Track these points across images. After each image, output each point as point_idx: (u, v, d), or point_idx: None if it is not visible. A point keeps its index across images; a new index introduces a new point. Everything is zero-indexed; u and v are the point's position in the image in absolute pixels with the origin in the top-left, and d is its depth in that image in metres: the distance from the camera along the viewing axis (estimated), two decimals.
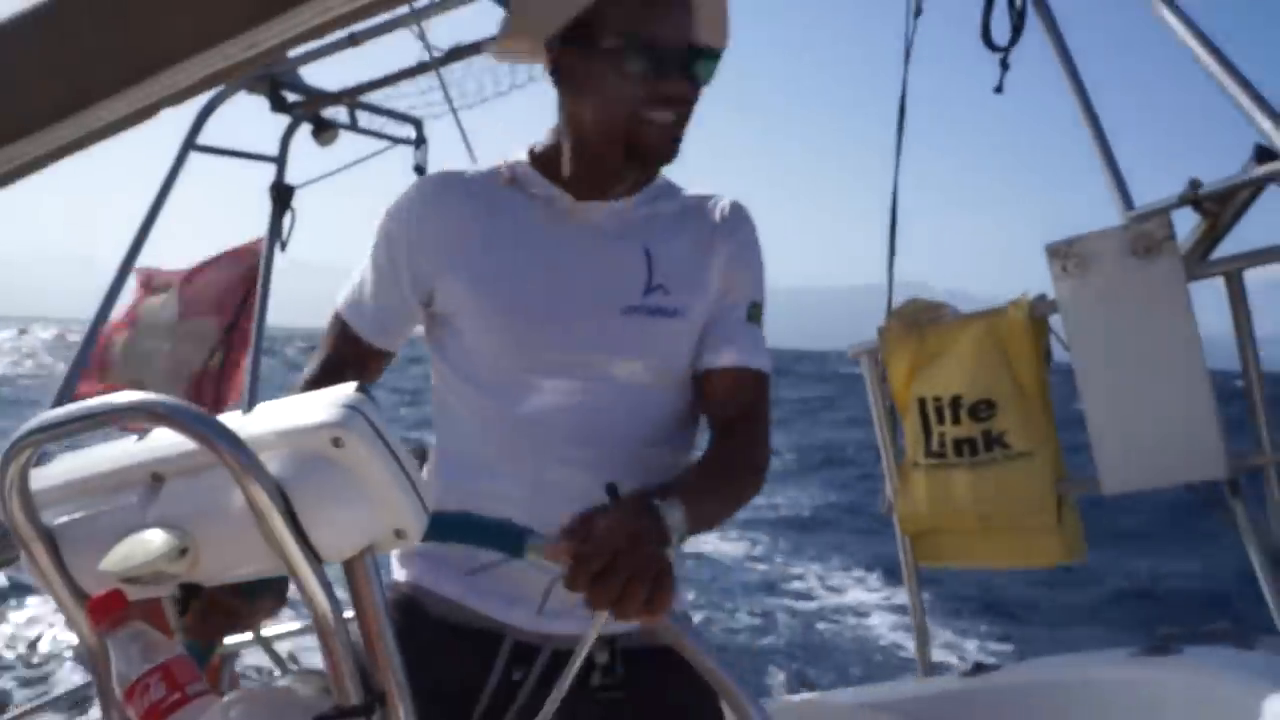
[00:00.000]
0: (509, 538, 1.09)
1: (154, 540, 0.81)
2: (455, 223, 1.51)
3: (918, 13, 3.69)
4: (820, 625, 9.47)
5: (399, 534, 0.84)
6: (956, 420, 2.39)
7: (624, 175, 1.50)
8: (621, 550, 1.07)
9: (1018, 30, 3.05)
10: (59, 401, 2.82)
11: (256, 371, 3.75)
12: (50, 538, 0.88)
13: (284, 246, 3.71)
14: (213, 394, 3.96)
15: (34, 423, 0.82)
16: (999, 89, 2.80)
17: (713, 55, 1.44)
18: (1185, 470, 2.23)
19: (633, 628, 1.33)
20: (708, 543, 11.90)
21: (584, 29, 1.41)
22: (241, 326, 4.04)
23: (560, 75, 1.47)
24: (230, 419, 0.81)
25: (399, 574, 1.55)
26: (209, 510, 0.82)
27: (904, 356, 2.51)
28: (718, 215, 1.56)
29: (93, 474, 0.89)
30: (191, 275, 4.14)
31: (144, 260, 3.43)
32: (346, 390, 0.82)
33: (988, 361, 2.37)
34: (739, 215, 1.57)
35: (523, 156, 1.55)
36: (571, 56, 1.44)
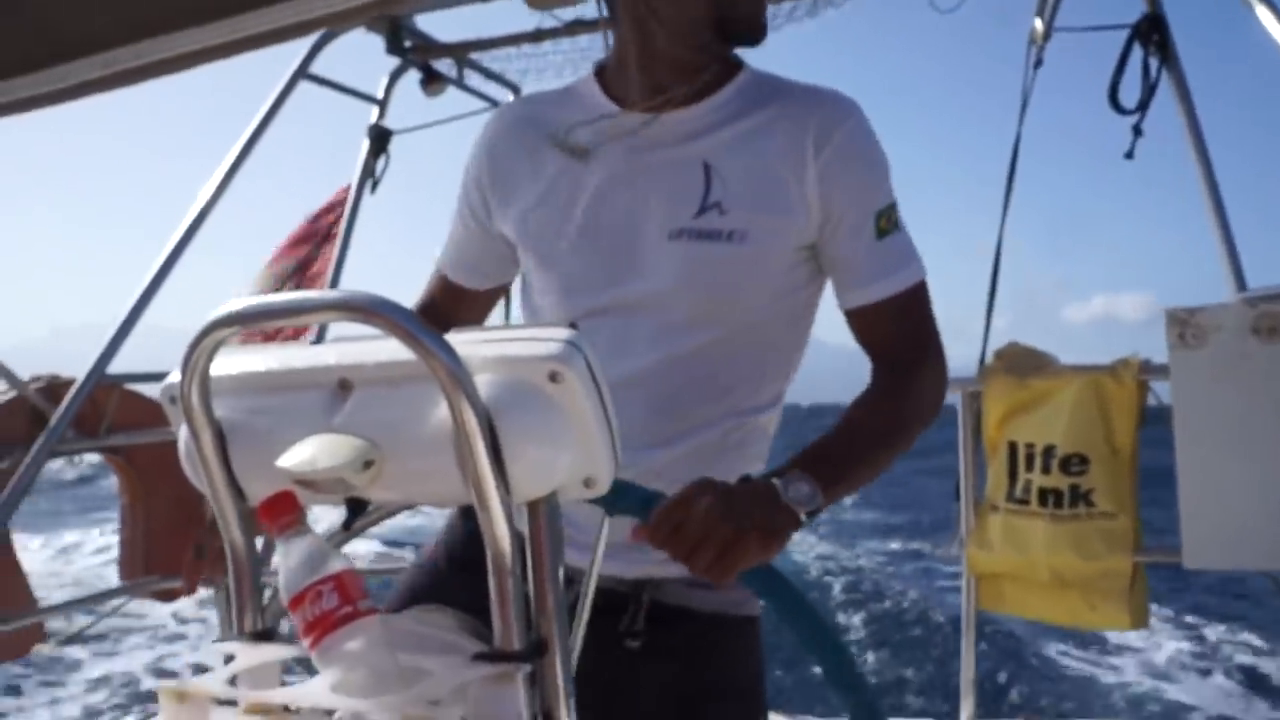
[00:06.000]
0: (645, 501, 1.07)
1: (343, 446, 0.77)
2: (514, 155, 1.42)
3: (1038, 64, 3.64)
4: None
5: (588, 483, 0.81)
6: (1046, 470, 2.35)
7: (700, 70, 1.33)
8: (701, 515, 1.03)
9: (1149, 96, 3.00)
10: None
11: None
12: (219, 430, 0.85)
13: (374, 188, 3.71)
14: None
15: (232, 307, 0.78)
16: (1130, 155, 2.75)
17: None
18: (1273, 557, 2.18)
19: (669, 576, 1.30)
20: None
21: None
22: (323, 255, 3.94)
23: None
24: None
25: None
26: (400, 425, 0.78)
27: (1002, 398, 2.47)
28: (809, 118, 1.31)
29: (273, 370, 0.86)
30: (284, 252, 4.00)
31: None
32: (565, 328, 0.79)
33: (1087, 417, 2.33)
34: (834, 114, 1.32)
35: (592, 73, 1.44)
36: None
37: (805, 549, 14.71)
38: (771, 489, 1.11)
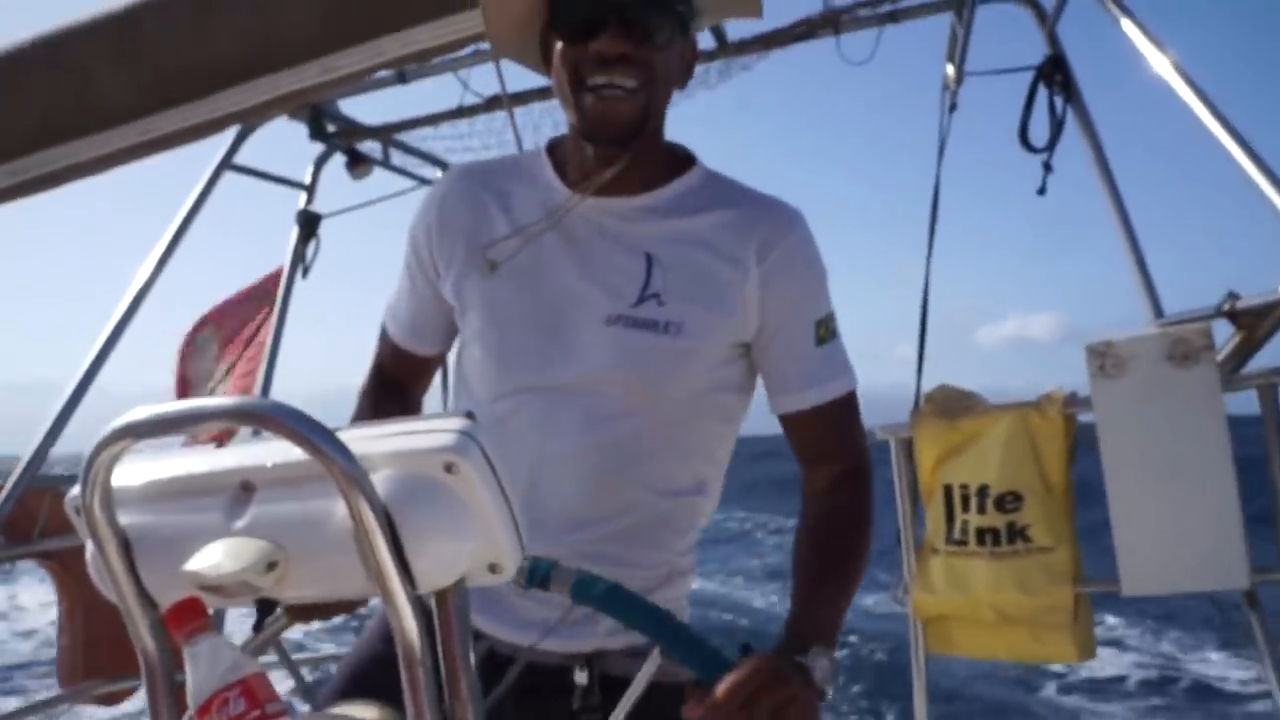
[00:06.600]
0: (716, 665, 1.11)
1: (247, 549, 0.78)
2: (459, 221, 1.41)
3: (952, 108, 3.74)
4: None
5: (493, 568, 0.82)
6: (982, 509, 2.38)
7: (620, 165, 1.34)
8: (766, 689, 1.07)
9: (1057, 133, 3.09)
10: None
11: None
12: (124, 539, 0.85)
13: (305, 273, 3.71)
14: None
15: (131, 417, 0.79)
16: (1042, 190, 2.84)
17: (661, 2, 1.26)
18: (1206, 578, 2.22)
19: (613, 648, 1.34)
20: None
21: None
22: (249, 356, 3.98)
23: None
24: (339, 433, 0.78)
25: None
26: (303, 525, 0.79)
27: (934, 442, 2.50)
28: (757, 225, 1.34)
29: (176, 477, 0.86)
30: (223, 311, 4.05)
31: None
32: (459, 418, 0.80)
33: (1018, 454, 2.37)
34: (780, 224, 1.35)
35: (544, 146, 1.46)
36: (544, 32, 1.34)
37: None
38: (805, 671, 1.14)
